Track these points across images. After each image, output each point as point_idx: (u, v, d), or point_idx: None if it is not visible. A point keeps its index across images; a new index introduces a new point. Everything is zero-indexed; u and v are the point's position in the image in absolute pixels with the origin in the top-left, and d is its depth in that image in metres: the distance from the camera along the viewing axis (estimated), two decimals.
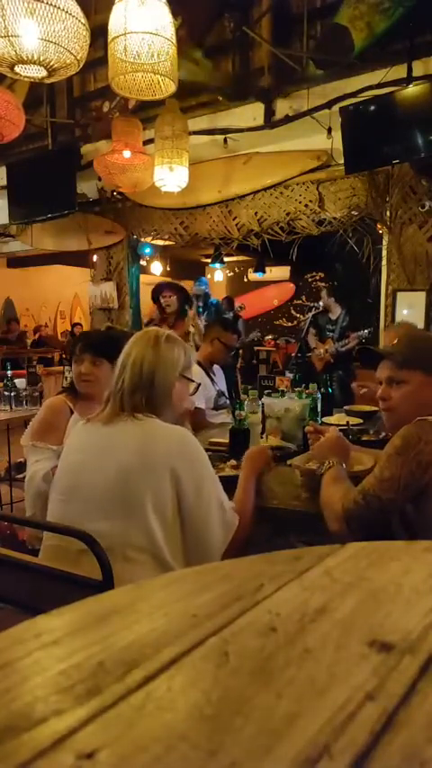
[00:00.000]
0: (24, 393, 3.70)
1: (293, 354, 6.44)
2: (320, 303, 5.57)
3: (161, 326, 4.23)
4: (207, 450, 1.42)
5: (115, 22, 2.06)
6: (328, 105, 3.72)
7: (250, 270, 9.67)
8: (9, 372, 3.87)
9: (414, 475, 1.26)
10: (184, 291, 4.33)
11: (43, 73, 2.01)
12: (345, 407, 2.76)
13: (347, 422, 2.26)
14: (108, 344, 1.81)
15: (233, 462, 1.89)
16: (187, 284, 7.77)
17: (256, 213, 4.49)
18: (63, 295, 11.04)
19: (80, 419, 1.63)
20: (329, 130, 3.75)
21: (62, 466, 1.40)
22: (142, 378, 1.35)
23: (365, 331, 4.97)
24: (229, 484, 1.55)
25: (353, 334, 5.23)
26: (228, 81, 4.10)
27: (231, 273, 10.66)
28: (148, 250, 6.84)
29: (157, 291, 4.41)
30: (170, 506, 1.26)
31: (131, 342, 1.41)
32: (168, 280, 5.31)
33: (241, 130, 4.21)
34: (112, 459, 1.28)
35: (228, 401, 3.05)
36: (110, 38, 2.09)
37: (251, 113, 4.16)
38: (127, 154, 3.84)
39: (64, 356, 7.85)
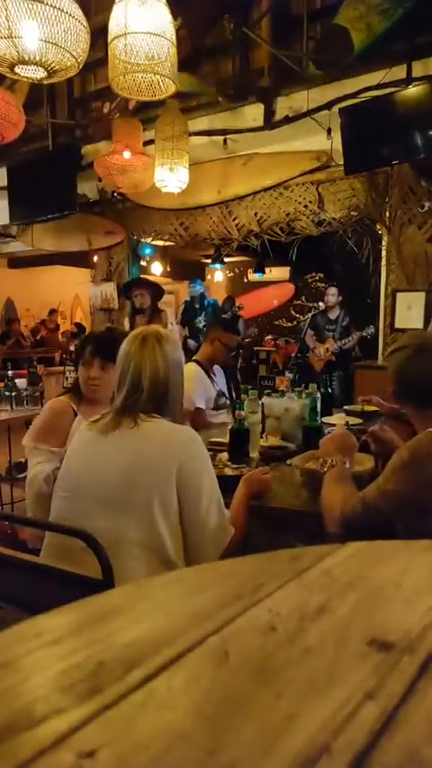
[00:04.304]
0: (25, 393, 3.70)
1: (293, 354, 6.44)
2: (320, 303, 5.56)
3: (135, 321, 4.28)
4: (207, 449, 1.43)
5: (115, 23, 2.07)
6: (328, 106, 3.73)
7: (250, 270, 9.67)
8: (10, 372, 3.87)
9: (416, 492, 1.25)
10: (156, 287, 4.36)
11: (43, 74, 2.01)
12: (345, 407, 2.76)
13: (347, 422, 2.26)
14: (117, 348, 1.81)
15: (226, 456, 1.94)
16: (186, 285, 7.81)
17: (255, 214, 4.49)
18: (63, 295, 11.05)
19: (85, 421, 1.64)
20: (329, 131, 3.76)
21: (68, 464, 1.40)
22: (159, 385, 1.35)
23: (370, 327, 4.95)
24: (228, 483, 1.55)
25: (356, 332, 5.22)
26: (223, 86, 4.10)
27: (231, 274, 10.65)
28: (148, 251, 6.85)
29: (128, 289, 4.46)
30: (173, 504, 1.26)
31: (135, 346, 1.38)
32: (140, 277, 5.32)
33: (241, 131, 4.22)
34: (119, 458, 1.29)
35: (228, 401, 3.05)
36: (110, 38, 2.09)
37: (251, 114, 4.16)
38: (127, 154, 3.85)
39: (65, 356, 7.86)
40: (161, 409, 1.35)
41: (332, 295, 5.37)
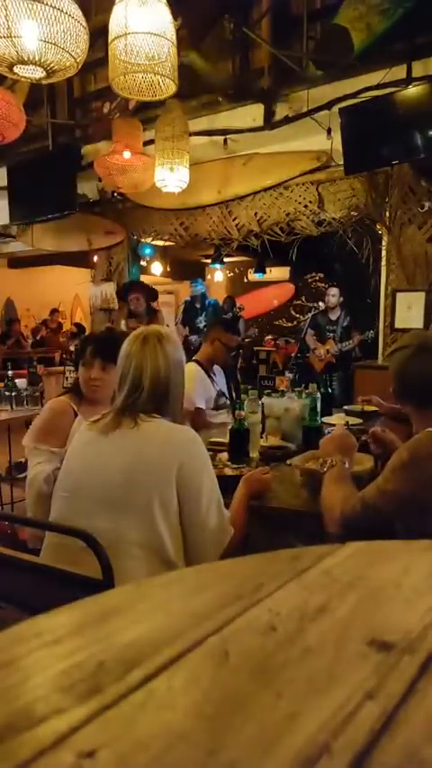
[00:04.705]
0: (25, 393, 3.70)
1: (293, 354, 6.44)
2: (320, 303, 5.55)
3: (132, 323, 4.32)
4: (207, 449, 1.43)
5: (115, 23, 2.07)
6: (328, 106, 3.73)
7: (250, 270, 9.67)
8: (10, 372, 3.87)
9: (416, 492, 1.25)
10: (149, 289, 4.39)
11: (41, 74, 2.02)
12: (344, 407, 2.76)
13: (347, 422, 2.26)
14: (117, 349, 1.80)
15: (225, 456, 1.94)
16: (186, 285, 7.83)
17: (255, 214, 4.49)
18: (63, 295, 11.05)
19: (85, 421, 1.63)
20: (329, 131, 3.76)
21: (68, 464, 1.40)
22: (160, 385, 1.35)
23: (370, 332, 4.94)
24: (228, 483, 1.55)
25: (357, 335, 5.21)
26: (227, 79, 4.11)
27: (231, 274, 10.66)
28: (148, 251, 6.86)
29: (124, 292, 4.51)
30: (173, 504, 1.26)
31: (136, 346, 1.38)
32: (134, 279, 5.35)
33: (241, 131, 4.22)
34: (119, 458, 1.29)
35: (228, 401, 3.05)
36: (110, 38, 2.09)
37: (251, 114, 4.16)
38: (127, 154, 3.85)
39: (65, 356, 7.86)
40: (161, 409, 1.35)
41: (333, 296, 5.35)
